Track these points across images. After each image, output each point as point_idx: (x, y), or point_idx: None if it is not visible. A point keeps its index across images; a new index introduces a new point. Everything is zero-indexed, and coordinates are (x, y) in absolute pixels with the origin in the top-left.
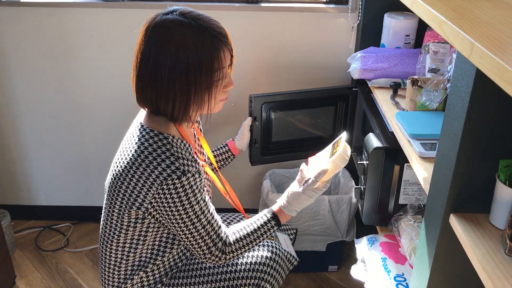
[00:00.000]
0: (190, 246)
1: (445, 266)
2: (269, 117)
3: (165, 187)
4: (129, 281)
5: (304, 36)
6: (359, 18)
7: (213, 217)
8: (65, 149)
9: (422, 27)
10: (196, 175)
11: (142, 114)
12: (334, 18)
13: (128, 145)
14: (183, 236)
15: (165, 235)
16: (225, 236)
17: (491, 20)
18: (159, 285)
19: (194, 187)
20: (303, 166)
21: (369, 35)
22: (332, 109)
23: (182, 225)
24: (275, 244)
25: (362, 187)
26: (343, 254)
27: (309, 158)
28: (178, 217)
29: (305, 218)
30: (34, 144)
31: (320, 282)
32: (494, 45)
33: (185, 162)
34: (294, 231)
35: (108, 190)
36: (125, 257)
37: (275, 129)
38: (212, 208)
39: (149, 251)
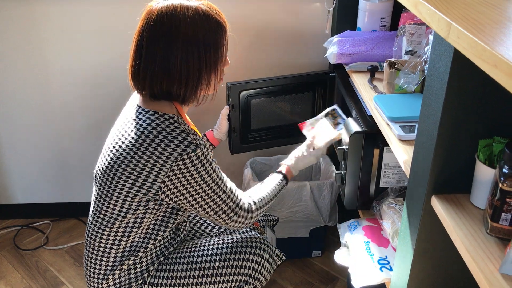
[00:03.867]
0: (215, 216)
1: (428, 247)
2: (247, 105)
3: (180, 163)
4: (117, 269)
5: (280, 22)
6: (335, 2)
7: (228, 181)
8: (40, 145)
9: (397, 9)
10: (207, 147)
11: (134, 99)
12: (310, 2)
13: (126, 128)
14: (206, 207)
15: (160, 217)
16: (244, 195)
17: (468, 0)
18: (146, 274)
19: (208, 157)
20: (312, 132)
21: (345, 19)
22: (310, 94)
23: (204, 195)
24: (264, 240)
25: (342, 172)
26: (326, 239)
27: (303, 127)
28: (198, 188)
29: (287, 205)
30: (7, 141)
31: (304, 267)
32: (472, 25)
33: (195, 136)
34: (276, 219)
35: (103, 177)
36: (116, 243)
37: (254, 117)
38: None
39: (142, 235)
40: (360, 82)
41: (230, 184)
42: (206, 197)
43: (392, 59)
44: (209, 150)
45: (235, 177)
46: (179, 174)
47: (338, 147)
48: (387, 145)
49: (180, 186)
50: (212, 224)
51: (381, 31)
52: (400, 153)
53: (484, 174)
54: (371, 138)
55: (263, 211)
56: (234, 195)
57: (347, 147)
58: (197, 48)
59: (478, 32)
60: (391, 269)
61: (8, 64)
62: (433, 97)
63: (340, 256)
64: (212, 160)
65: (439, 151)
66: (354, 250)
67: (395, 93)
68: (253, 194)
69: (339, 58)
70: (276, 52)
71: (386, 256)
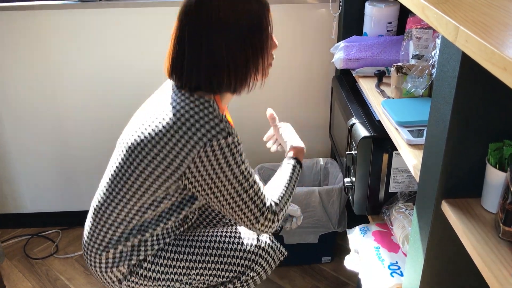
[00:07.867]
0: (237, 217)
1: (439, 252)
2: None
3: (208, 149)
4: (121, 244)
5: (286, 28)
6: (340, 7)
7: (256, 178)
8: (49, 154)
9: (403, 14)
10: (238, 138)
11: (168, 84)
12: (315, 8)
13: (161, 107)
14: (228, 207)
15: (177, 203)
16: (267, 199)
17: (475, 3)
18: (148, 252)
19: (239, 147)
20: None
21: (351, 24)
22: None
23: (229, 187)
24: (268, 234)
25: (352, 177)
26: (335, 245)
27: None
28: (224, 179)
29: None
30: (16, 151)
31: (314, 274)
32: (480, 28)
33: (228, 124)
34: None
35: (130, 150)
36: (128, 219)
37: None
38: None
39: (155, 217)
40: (367, 87)
41: (258, 182)
42: (230, 188)
43: (399, 64)
44: (240, 142)
45: None
46: (206, 161)
47: (347, 152)
48: (396, 149)
49: (205, 174)
50: (220, 215)
51: (388, 35)
52: (409, 158)
53: (495, 177)
54: (380, 143)
55: (286, 209)
56: (258, 197)
57: (356, 152)
58: (241, 34)
59: (486, 35)
60: (402, 275)
61: (17, 75)
62: (442, 101)
63: (350, 262)
64: (242, 152)
65: (449, 155)
66: (364, 255)
67: (403, 97)
68: (273, 194)
69: (346, 64)
70: (283, 57)
71: (396, 261)
